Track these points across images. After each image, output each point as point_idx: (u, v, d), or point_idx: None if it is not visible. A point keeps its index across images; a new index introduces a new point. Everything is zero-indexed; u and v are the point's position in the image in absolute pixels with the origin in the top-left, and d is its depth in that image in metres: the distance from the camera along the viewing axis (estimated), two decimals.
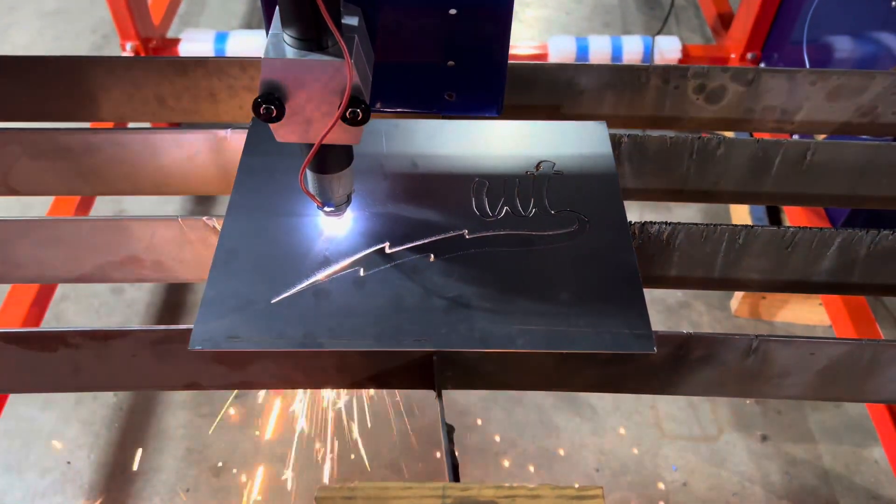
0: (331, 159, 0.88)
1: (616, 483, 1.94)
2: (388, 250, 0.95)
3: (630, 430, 2.04)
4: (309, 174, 0.90)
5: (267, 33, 0.80)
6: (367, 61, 0.83)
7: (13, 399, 1.87)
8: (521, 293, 0.92)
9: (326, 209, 0.94)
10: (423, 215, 1.00)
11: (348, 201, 0.96)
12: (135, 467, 1.90)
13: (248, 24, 3.35)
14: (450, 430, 0.84)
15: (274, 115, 0.78)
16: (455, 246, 0.97)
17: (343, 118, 0.78)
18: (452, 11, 0.87)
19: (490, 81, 0.96)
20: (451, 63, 0.94)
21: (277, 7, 0.76)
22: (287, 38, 0.76)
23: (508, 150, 1.09)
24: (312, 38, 0.75)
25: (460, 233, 0.98)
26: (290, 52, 0.76)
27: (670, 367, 0.97)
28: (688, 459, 1.98)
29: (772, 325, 2.29)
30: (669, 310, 2.32)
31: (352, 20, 0.80)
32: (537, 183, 1.04)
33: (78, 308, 2.29)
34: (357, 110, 0.78)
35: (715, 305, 2.34)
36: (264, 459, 1.88)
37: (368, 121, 0.79)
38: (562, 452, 1.98)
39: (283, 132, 0.82)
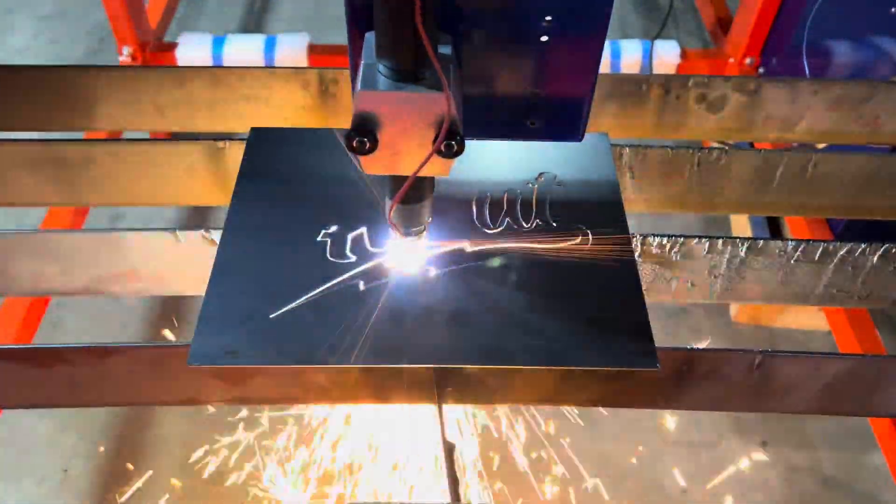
0: (418, 189, 0.86)
1: (616, 489, 1.93)
2: (387, 264, 0.94)
3: (630, 436, 2.03)
4: (388, 204, 0.87)
5: (350, 62, 0.79)
6: (459, 91, 0.80)
7: None
8: (522, 307, 0.91)
9: (408, 237, 0.91)
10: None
11: (426, 227, 0.93)
12: (131, 475, 1.89)
13: (246, 28, 3.34)
14: (450, 449, 0.83)
15: (367, 147, 0.76)
16: (456, 259, 0.96)
17: (438, 150, 0.76)
18: (544, 38, 0.83)
19: (575, 108, 0.91)
20: (537, 90, 0.89)
21: (370, 37, 0.73)
22: (382, 69, 0.74)
23: (510, 161, 1.08)
24: (410, 69, 0.73)
25: (461, 245, 0.97)
26: (387, 84, 0.74)
27: (673, 382, 0.96)
28: (687, 465, 1.98)
29: (771, 330, 2.28)
30: (669, 315, 2.32)
31: (445, 49, 0.77)
32: (539, 195, 1.04)
33: (76, 315, 2.28)
34: (453, 143, 0.75)
35: (714, 311, 2.33)
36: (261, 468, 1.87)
37: (463, 152, 0.76)
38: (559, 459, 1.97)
39: (371, 164, 0.79)
